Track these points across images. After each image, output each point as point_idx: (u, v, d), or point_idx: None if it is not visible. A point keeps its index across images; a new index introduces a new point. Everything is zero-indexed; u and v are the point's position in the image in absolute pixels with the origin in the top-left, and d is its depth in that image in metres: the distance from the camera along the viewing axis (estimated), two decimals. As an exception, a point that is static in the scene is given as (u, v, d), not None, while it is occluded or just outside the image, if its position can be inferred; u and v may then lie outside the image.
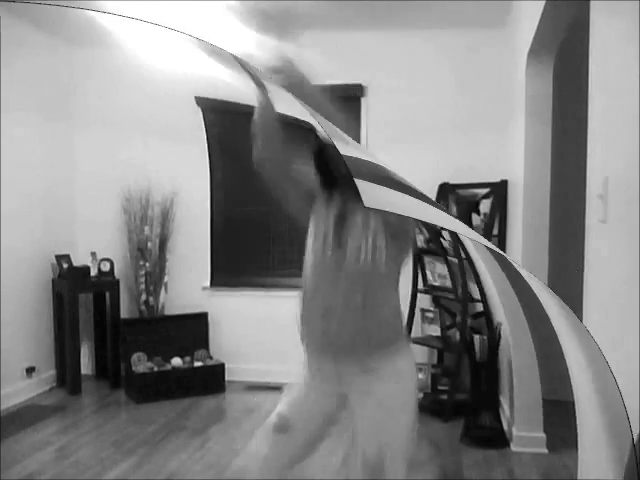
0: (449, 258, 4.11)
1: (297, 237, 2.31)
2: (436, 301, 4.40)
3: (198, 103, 4.71)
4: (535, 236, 3.39)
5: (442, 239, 4.12)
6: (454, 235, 3.93)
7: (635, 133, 1.52)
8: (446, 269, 4.16)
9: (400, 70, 4.49)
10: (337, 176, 1.77)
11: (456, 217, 1.47)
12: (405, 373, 1.79)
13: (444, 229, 3.84)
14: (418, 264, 4.34)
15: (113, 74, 4.84)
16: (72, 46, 4.79)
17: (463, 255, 3.91)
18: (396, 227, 1.77)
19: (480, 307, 4.18)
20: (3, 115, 4.08)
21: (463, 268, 3.94)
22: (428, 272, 4.37)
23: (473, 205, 4.25)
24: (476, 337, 3.61)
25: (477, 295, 4.11)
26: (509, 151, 4.09)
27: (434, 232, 4.17)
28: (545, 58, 3.29)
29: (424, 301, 4.38)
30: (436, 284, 4.32)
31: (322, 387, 1.81)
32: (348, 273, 1.74)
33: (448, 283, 4.16)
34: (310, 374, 1.83)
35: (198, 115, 4.75)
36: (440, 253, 4.16)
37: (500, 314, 3.63)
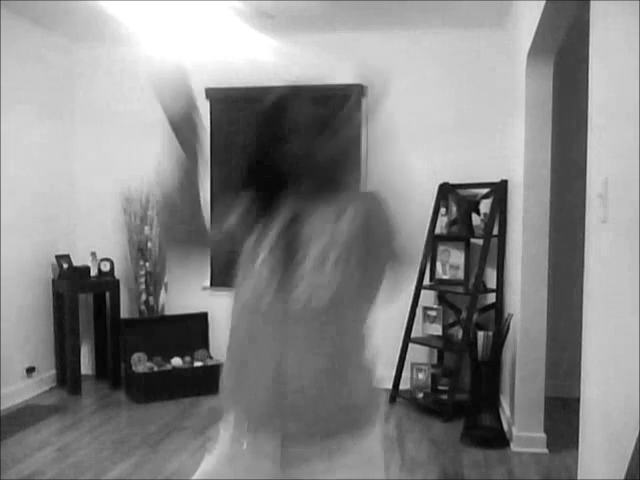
0: (472, 241, 4.22)
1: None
2: (440, 298, 4.41)
3: (207, 95, 4.71)
4: (535, 236, 3.39)
5: (476, 214, 4.18)
6: (494, 208, 4.01)
7: (635, 133, 1.52)
8: (462, 257, 4.22)
9: (400, 70, 4.49)
10: (289, 174, 1.36)
11: None
12: (375, 457, 1.34)
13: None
14: (429, 257, 4.35)
15: (114, 71, 4.83)
16: (72, 43, 4.79)
17: (495, 232, 4.02)
18: (377, 235, 1.28)
19: (489, 300, 4.23)
20: (3, 114, 4.08)
21: (487, 249, 4.01)
22: (438, 264, 4.39)
23: (473, 205, 4.25)
24: (480, 334, 3.60)
25: (491, 284, 4.16)
26: (509, 151, 4.09)
27: (467, 207, 4.20)
28: (545, 58, 3.29)
29: (426, 299, 4.37)
30: (445, 277, 4.35)
31: (256, 468, 1.32)
32: (300, 317, 1.25)
33: (460, 274, 4.18)
34: (239, 451, 1.33)
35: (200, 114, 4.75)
36: (463, 236, 4.24)
37: (514, 304, 3.62)
